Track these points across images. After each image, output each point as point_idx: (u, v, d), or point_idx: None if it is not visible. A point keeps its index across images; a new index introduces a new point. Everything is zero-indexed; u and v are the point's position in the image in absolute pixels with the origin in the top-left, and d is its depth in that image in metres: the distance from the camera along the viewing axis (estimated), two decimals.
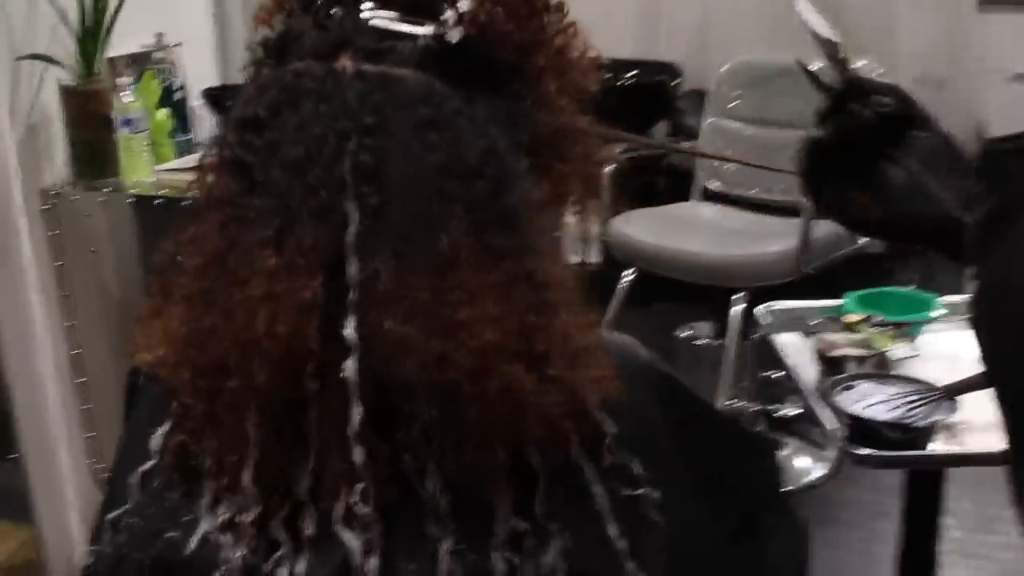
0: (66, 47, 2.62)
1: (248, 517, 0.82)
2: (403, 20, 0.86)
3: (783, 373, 1.92)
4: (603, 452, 0.85)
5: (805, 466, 3.37)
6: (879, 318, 1.88)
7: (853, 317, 1.90)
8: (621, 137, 0.97)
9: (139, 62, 2.93)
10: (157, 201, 2.64)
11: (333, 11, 0.87)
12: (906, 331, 1.87)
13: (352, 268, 0.79)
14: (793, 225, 3.26)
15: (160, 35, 3.02)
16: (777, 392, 3.48)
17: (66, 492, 2.74)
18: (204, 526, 0.83)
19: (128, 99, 2.70)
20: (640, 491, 0.86)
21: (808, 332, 1.92)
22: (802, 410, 3.37)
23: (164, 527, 0.85)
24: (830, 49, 1.12)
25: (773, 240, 3.37)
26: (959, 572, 2.78)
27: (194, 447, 0.85)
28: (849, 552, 2.92)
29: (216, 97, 3.04)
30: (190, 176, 0.89)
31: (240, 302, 0.80)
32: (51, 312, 2.70)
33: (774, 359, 1.96)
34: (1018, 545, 1.99)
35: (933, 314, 1.94)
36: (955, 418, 1.59)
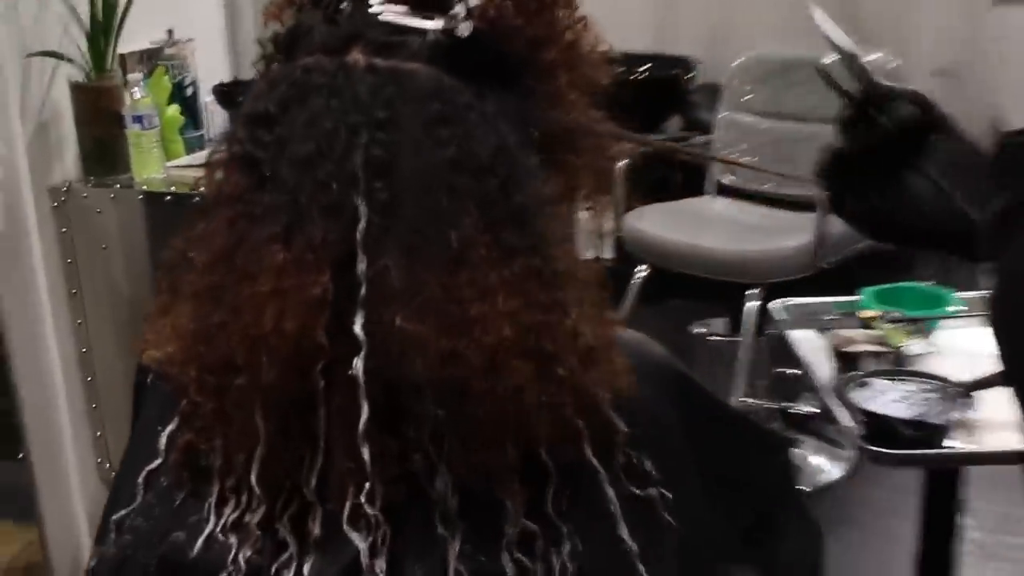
0: (77, 43, 2.62)
1: (255, 517, 0.82)
2: (413, 14, 0.86)
3: (798, 370, 1.91)
4: (615, 451, 0.85)
5: (821, 465, 3.36)
6: (896, 314, 1.88)
7: (869, 313, 1.89)
8: (626, 136, 0.97)
9: (150, 58, 2.93)
10: (167, 198, 2.63)
11: (343, 5, 0.87)
12: (923, 327, 1.86)
13: (362, 264, 0.79)
14: (809, 219, 3.25)
15: (171, 31, 3.02)
16: (793, 389, 3.47)
17: (73, 493, 2.74)
18: (210, 527, 0.83)
19: (139, 95, 2.70)
20: (652, 491, 0.86)
21: (824, 328, 1.92)
22: (818, 408, 3.36)
23: (170, 528, 0.85)
24: (849, 59, 1.12)
25: (789, 235, 3.36)
26: (978, 574, 2.77)
27: (202, 446, 0.85)
28: (865, 553, 2.91)
29: (227, 93, 3.03)
30: (201, 172, 0.89)
31: (248, 298, 0.80)
32: (60, 310, 2.70)
33: (789, 356, 1.95)
34: None
35: (950, 309, 1.93)
36: (973, 415, 1.58)
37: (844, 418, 1.62)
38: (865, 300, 1.94)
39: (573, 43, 0.92)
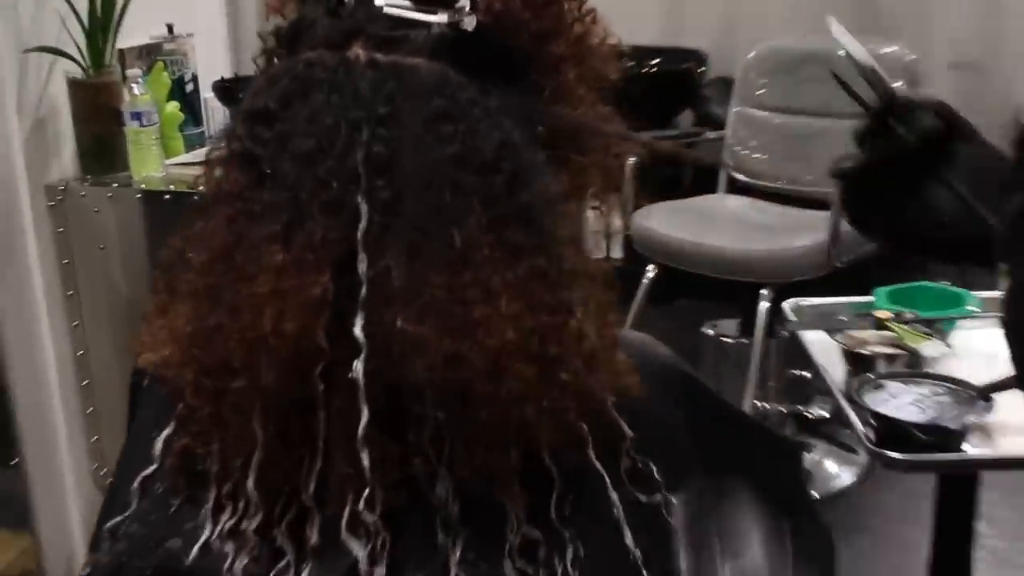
0: (75, 39, 2.62)
1: (252, 524, 0.82)
2: (417, 8, 0.86)
3: (811, 372, 1.91)
4: (619, 455, 0.85)
5: (834, 470, 3.36)
6: (910, 314, 1.87)
7: (883, 313, 1.89)
8: (631, 136, 0.97)
9: (149, 53, 2.93)
10: (167, 196, 2.64)
11: None
12: (939, 328, 1.86)
13: (362, 264, 0.79)
14: (822, 218, 3.24)
15: (171, 26, 3.02)
16: (805, 392, 3.47)
17: (68, 499, 2.74)
18: (206, 533, 0.83)
19: (138, 92, 2.70)
20: (657, 496, 0.85)
21: (837, 329, 1.91)
22: (831, 411, 3.36)
23: (165, 535, 0.85)
24: (868, 72, 1.11)
25: (802, 234, 3.35)
26: None
27: (198, 450, 0.85)
28: (878, 560, 2.91)
29: (228, 89, 3.04)
30: (200, 170, 0.90)
31: (247, 299, 0.80)
32: (56, 311, 2.70)
33: (802, 357, 1.95)
34: None
35: (967, 310, 1.92)
36: (990, 419, 1.58)
37: (856, 422, 1.61)
38: (878, 300, 1.94)
39: (581, 37, 0.92)
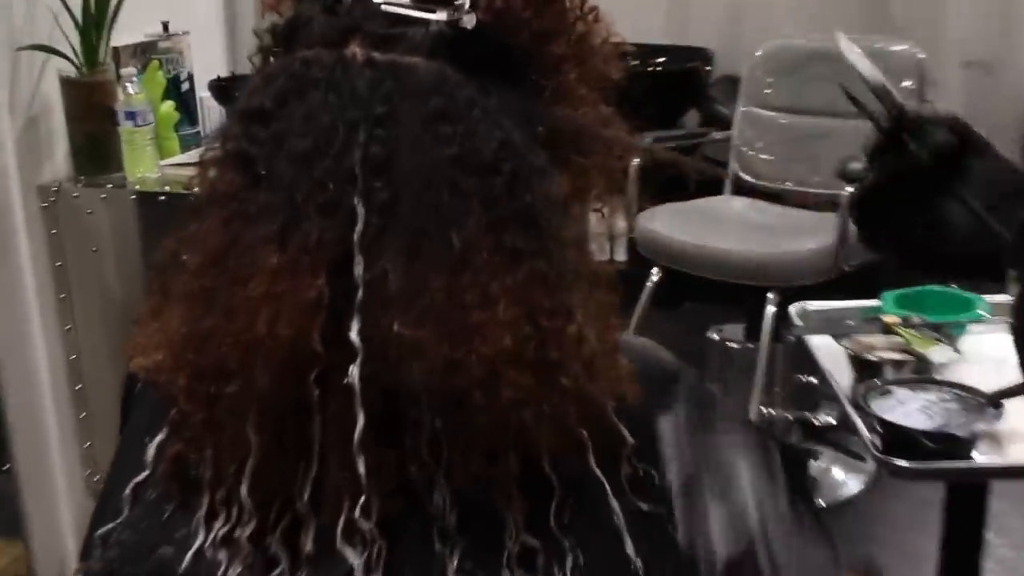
0: (68, 36, 2.62)
1: (245, 531, 0.82)
2: (415, 5, 0.86)
3: (818, 378, 1.91)
4: (620, 463, 0.85)
5: (841, 478, 3.36)
6: (919, 319, 1.87)
7: (891, 318, 1.89)
8: (631, 143, 0.97)
9: (144, 52, 2.94)
10: (162, 198, 2.64)
11: None
12: (948, 333, 1.86)
13: (359, 267, 0.79)
14: (830, 220, 3.24)
15: (166, 23, 3.02)
16: (812, 398, 3.47)
17: (60, 506, 2.75)
18: (199, 541, 0.83)
19: (132, 91, 2.70)
20: (660, 505, 0.85)
21: (844, 334, 1.91)
22: (838, 418, 3.36)
23: (158, 542, 0.85)
24: (879, 90, 1.12)
25: (809, 236, 3.35)
26: None
27: (191, 456, 0.85)
28: (886, 570, 2.91)
29: (224, 88, 3.04)
30: (195, 171, 0.90)
31: (241, 302, 0.80)
32: (48, 315, 2.70)
33: (809, 363, 1.95)
34: None
35: (977, 314, 1.92)
36: (999, 426, 1.58)
37: (863, 429, 1.61)
38: (886, 305, 1.94)
39: (583, 36, 0.91)
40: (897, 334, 1.85)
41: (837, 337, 1.90)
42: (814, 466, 3.37)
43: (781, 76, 3.82)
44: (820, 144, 3.63)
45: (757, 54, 3.89)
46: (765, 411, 3.32)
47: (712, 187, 3.90)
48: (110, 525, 0.89)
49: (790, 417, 3.46)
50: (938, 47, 3.79)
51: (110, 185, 2.69)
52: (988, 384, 1.64)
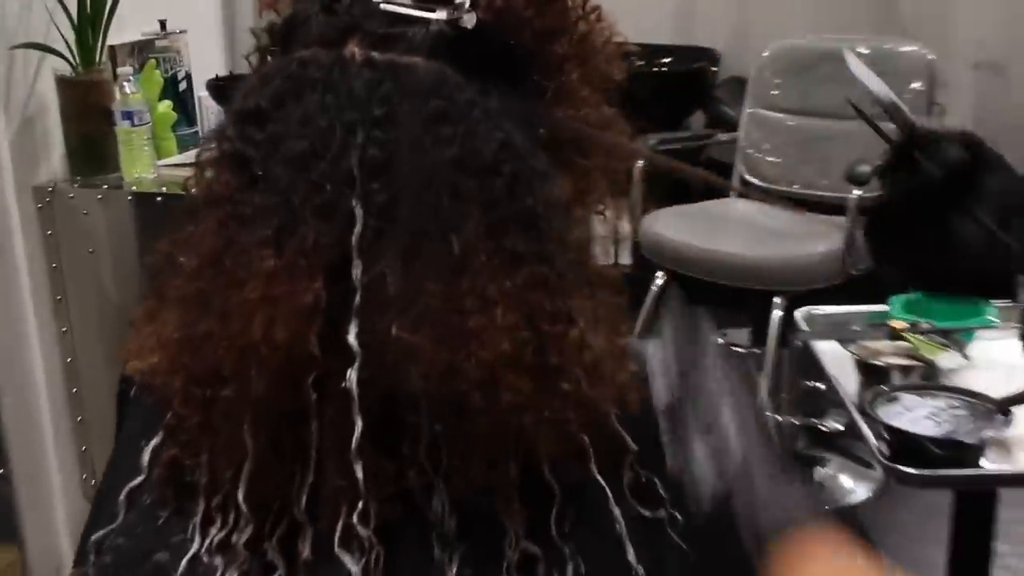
0: (63, 35, 2.63)
1: (242, 537, 0.82)
2: (415, 5, 0.86)
3: (824, 384, 1.91)
4: (622, 469, 0.85)
5: (849, 485, 3.35)
6: (927, 324, 1.87)
7: (899, 323, 1.89)
8: (632, 149, 0.97)
9: (141, 51, 2.94)
10: (159, 199, 2.65)
11: None
12: (956, 339, 1.86)
13: (357, 270, 0.79)
14: (838, 223, 3.24)
15: (164, 22, 3.03)
16: (819, 404, 3.46)
17: (56, 510, 2.75)
18: (195, 547, 0.83)
19: (129, 90, 2.71)
20: (662, 512, 0.85)
21: (850, 339, 1.91)
22: (846, 424, 3.36)
23: (153, 548, 0.85)
24: (890, 108, 1.12)
25: (816, 240, 3.35)
26: None
27: (187, 461, 0.85)
28: None
29: (223, 88, 3.04)
30: (192, 172, 0.90)
31: (236, 306, 0.80)
32: (44, 317, 2.71)
33: (816, 368, 1.95)
34: None
35: (986, 320, 1.92)
36: (1008, 433, 1.58)
37: (870, 435, 1.61)
38: (894, 310, 1.94)
39: (585, 35, 0.91)
40: (905, 339, 1.85)
41: (844, 342, 1.90)
42: (821, 473, 3.37)
43: (789, 77, 3.82)
44: (828, 146, 3.63)
45: (764, 55, 3.89)
46: (772, 417, 3.32)
47: (718, 189, 3.89)
48: (105, 530, 0.89)
49: (797, 423, 3.46)
50: (948, 48, 3.78)
51: (106, 186, 2.69)
52: (997, 390, 1.64)
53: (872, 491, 3.31)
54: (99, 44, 2.67)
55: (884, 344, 1.84)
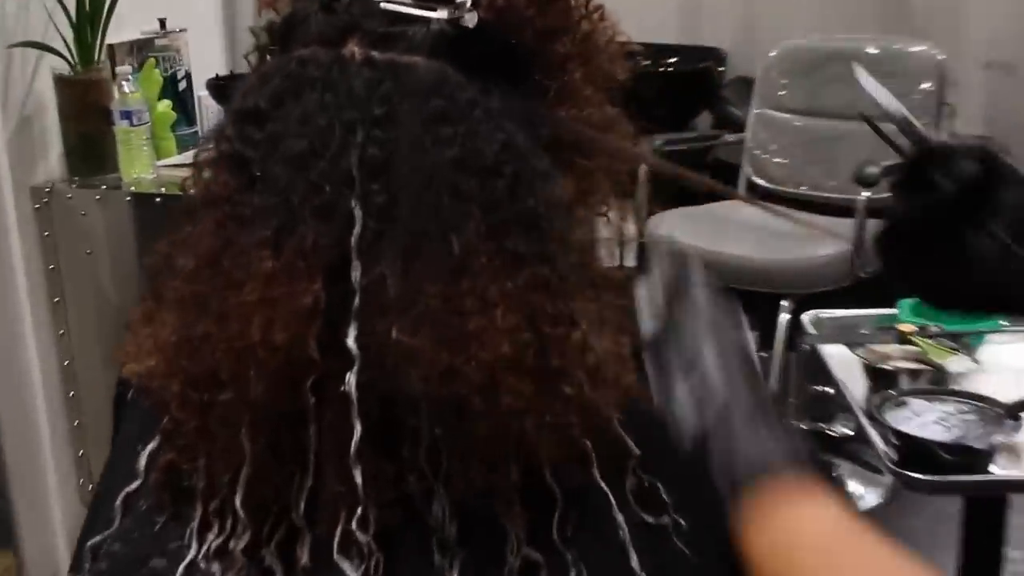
0: (62, 33, 2.63)
1: (240, 543, 0.82)
2: (416, 3, 0.86)
3: (832, 388, 1.91)
4: (625, 474, 0.84)
5: (858, 491, 3.35)
6: (936, 328, 1.87)
7: (907, 327, 1.89)
8: (633, 153, 0.97)
9: (140, 49, 2.95)
10: (157, 199, 2.65)
11: None
12: (966, 342, 1.86)
13: (356, 271, 0.79)
14: (846, 225, 3.24)
15: (163, 20, 3.03)
16: (827, 409, 3.46)
17: (53, 516, 2.75)
18: (192, 553, 0.83)
19: (128, 89, 2.71)
20: (665, 518, 0.85)
21: (858, 343, 1.91)
22: (854, 429, 3.35)
23: (149, 554, 0.85)
24: (902, 123, 1.12)
25: (824, 242, 3.35)
26: None
27: (184, 466, 0.85)
28: None
29: (223, 87, 3.04)
30: (190, 172, 0.90)
31: (234, 308, 0.80)
32: (41, 319, 2.71)
33: (823, 372, 1.95)
34: None
35: (996, 323, 1.92)
36: (1018, 438, 1.58)
37: (878, 441, 1.61)
38: (902, 313, 1.94)
39: (588, 34, 0.91)
40: (913, 343, 1.85)
41: (851, 346, 1.90)
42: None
43: (796, 77, 3.82)
44: (836, 147, 3.63)
45: (771, 54, 3.89)
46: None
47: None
48: (101, 536, 0.89)
49: (805, 428, 3.46)
50: (958, 47, 3.78)
51: (105, 186, 2.70)
52: (1007, 395, 1.64)
53: (882, 497, 3.30)
54: (98, 43, 2.67)
55: (892, 348, 1.84)
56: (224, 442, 0.81)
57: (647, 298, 0.92)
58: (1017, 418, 1.59)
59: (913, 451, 1.56)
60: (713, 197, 3.78)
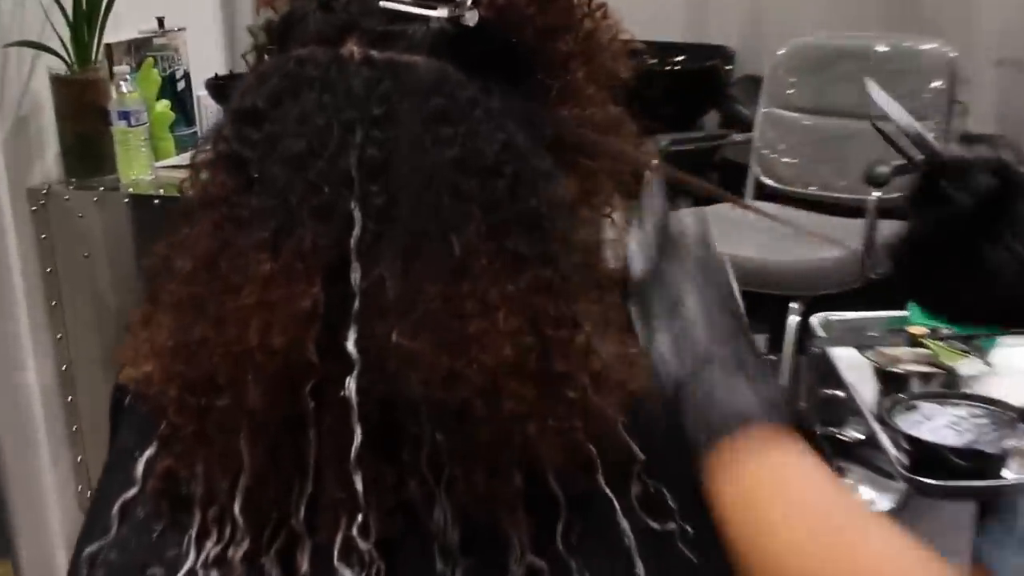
0: (59, 32, 2.63)
1: (238, 551, 0.82)
2: (415, 2, 0.86)
3: (843, 392, 1.90)
4: (630, 480, 0.84)
5: (868, 497, 3.34)
6: (947, 330, 1.87)
7: (918, 329, 1.88)
8: (634, 157, 0.97)
9: (139, 49, 2.95)
10: (156, 201, 2.65)
11: None
12: (977, 345, 1.86)
13: (355, 274, 0.79)
14: (857, 226, 3.23)
15: (162, 19, 3.03)
16: (838, 412, 3.45)
17: (51, 522, 2.75)
18: (190, 562, 0.83)
19: (126, 89, 2.71)
20: (671, 525, 0.85)
21: (868, 346, 1.91)
22: (865, 434, 3.35)
23: (147, 562, 0.85)
24: (915, 137, 1.12)
25: (834, 243, 3.34)
26: None
27: (182, 472, 0.85)
28: None
29: (222, 87, 3.04)
30: (187, 173, 0.90)
31: (232, 311, 0.80)
32: (38, 323, 2.71)
33: (833, 376, 1.94)
34: None
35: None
36: None
37: (889, 445, 1.61)
38: (913, 315, 1.93)
39: (591, 33, 0.91)
40: (924, 346, 1.84)
41: (862, 349, 1.89)
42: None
43: (805, 75, 3.82)
44: (846, 146, 3.63)
45: (780, 53, 3.89)
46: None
47: (732, 191, 3.88)
48: (98, 544, 0.89)
49: (816, 432, 3.44)
50: (970, 45, 3.78)
51: (102, 187, 2.70)
52: (1019, 398, 1.64)
53: (896, 502, 3.29)
54: (95, 42, 2.67)
55: (903, 351, 1.84)
56: (222, 448, 0.81)
57: (638, 240, 0.92)
58: None
59: (925, 456, 1.55)
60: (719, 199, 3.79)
